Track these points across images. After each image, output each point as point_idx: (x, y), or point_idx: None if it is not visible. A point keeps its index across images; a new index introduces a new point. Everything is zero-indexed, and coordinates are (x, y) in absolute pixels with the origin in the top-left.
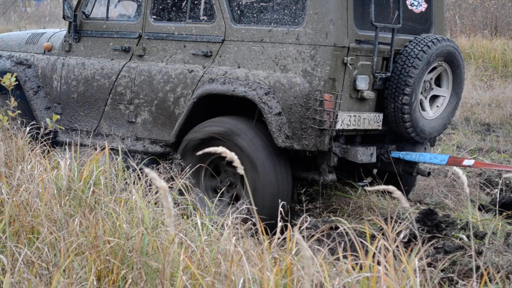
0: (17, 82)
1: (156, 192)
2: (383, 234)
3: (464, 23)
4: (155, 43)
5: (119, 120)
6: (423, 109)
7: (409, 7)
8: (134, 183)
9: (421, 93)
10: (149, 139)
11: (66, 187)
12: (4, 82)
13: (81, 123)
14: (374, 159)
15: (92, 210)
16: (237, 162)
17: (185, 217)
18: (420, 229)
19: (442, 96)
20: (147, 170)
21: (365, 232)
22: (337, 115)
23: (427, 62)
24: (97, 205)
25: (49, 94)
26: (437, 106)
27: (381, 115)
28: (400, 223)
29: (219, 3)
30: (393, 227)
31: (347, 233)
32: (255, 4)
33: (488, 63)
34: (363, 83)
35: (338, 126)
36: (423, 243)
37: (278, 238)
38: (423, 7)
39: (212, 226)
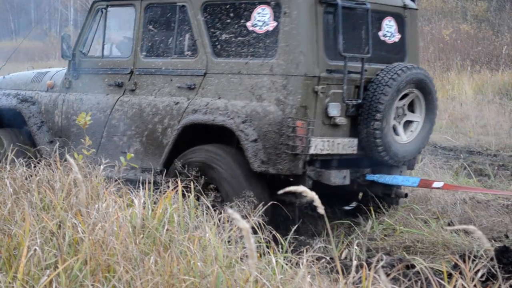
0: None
1: (230, 230)
2: (460, 273)
3: None
4: (145, 78)
5: (114, 151)
6: (397, 134)
7: (382, 38)
8: (206, 221)
9: (394, 118)
10: (140, 168)
11: (140, 225)
12: (79, 121)
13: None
14: (347, 182)
15: (166, 248)
16: (317, 202)
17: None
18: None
19: (416, 121)
20: (229, 210)
21: (441, 271)
22: (310, 140)
23: (397, 89)
24: (171, 243)
25: (51, 128)
26: (411, 131)
27: (355, 140)
28: (476, 260)
29: (202, 39)
30: (470, 266)
31: (423, 271)
32: (233, 39)
33: None
34: (335, 110)
35: (312, 151)
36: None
37: (354, 277)
38: (397, 37)
39: (287, 264)
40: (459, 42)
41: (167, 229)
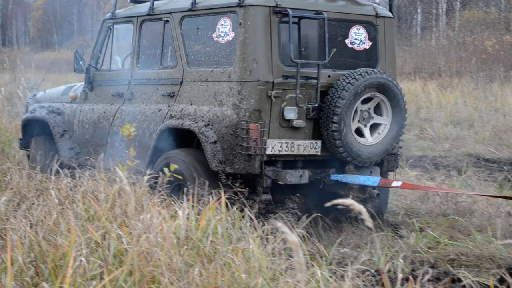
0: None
1: (274, 242)
2: (508, 287)
3: None
4: (139, 88)
5: (116, 156)
6: (363, 136)
7: (349, 45)
8: (250, 232)
9: (360, 121)
10: (134, 169)
11: (184, 237)
12: (123, 132)
13: (93, 160)
14: (304, 181)
15: (210, 260)
16: (365, 215)
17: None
18: None
19: (383, 124)
20: (278, 224)
21: (487, 285)
22: (265, 142)
23: (354, 93)
24: (215, 255)
25: (72, 136)
26: (378, 133)
27: (319, 142)
28: None
29: (180, 51)
30: None
31: (469, 285)
32: (203, 50)
33: None
34: (291, 113)
35: (268, 152)
36: None
37: None
38: (367, 45)
39: (331, 277)
40: (502, 53)
41: (211, 241)
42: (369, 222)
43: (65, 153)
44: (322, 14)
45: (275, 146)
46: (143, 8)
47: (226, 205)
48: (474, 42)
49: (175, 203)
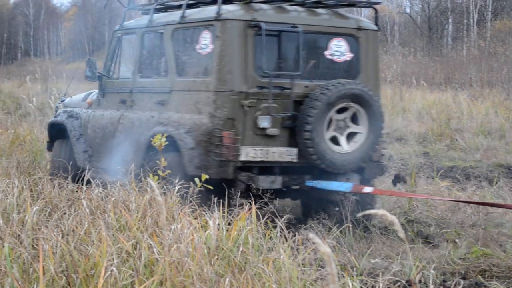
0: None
1: (304, 252)
2: None
3: None
4: (139, 95)
5: (120, 158)
6: (338, 144)
7: (329, 57)
8: (281, 243)
9: (336, 130)
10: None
11: (215, 247)
12: (154, 143)
13: (103, 162)
14: (276, 186)
15: (241, 270)
16: (397, 226)
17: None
18: None
19: (360, 132)
20: (310, 235)
21: None
22: (239, 149)
23: (326, 103)
24: (246, 265)
25: (86, 140)
26: (355, 142)
27: (295, 150)
28: None
29: (170, 61)
30: None
31: None
32: (188, 60)
33: None
34: (265, 122)
35: (242, 158)
36: None
37: None
38: (348, 56)
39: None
40: None
41: (241, 251)
42: (401, 233)
43: (79, 156)
44: (297, 27)
45: (250, 153)
46: (145, 20)
47: (257, 216)
48: (506, 52)
49: (206, 213)
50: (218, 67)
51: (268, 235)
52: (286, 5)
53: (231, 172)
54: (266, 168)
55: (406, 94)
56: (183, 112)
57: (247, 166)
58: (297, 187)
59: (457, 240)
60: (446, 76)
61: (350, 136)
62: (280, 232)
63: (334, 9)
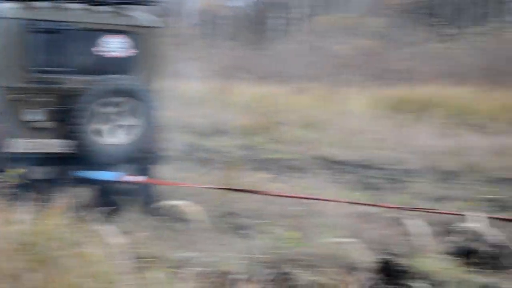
0: None
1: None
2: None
3: (427, 71)
4: None
5: None
6: (106, 136)
7: (101, 53)
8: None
9: (104, 123)
10: None
11: (19, 242)
12: None
13: None
14: (48, 176)
15: (46, 264)
16: (201, 216)
17: None
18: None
19: (131, 125)
20: (110, 226)
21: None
22: (8, 141)
23: (91, 97)
24: (53, 259)
25: None
26: (126, 134)
27: (67, 142)
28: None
29: None
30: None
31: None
32: None
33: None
34: (32, 115)
35: (10, 150)
36: None
37: None
38: (122, 52)
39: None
40: (354, 57)
41: (47, 245)
42: (206, 223)
43: None
44: (69, 25)
45: (18, 145)
46: None
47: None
48: (328, 47)
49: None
50: None
51: (76, 228)
52: (64, 3)
53: (3, 162)
54: (39, 159)
55: (231, 88)
56: None
57: (19, 158)
58: (71, 177)
59: (271, 231)
60: (269, 70)
61: (122, 128)
62: (86, 224)
63: (118, 6)
